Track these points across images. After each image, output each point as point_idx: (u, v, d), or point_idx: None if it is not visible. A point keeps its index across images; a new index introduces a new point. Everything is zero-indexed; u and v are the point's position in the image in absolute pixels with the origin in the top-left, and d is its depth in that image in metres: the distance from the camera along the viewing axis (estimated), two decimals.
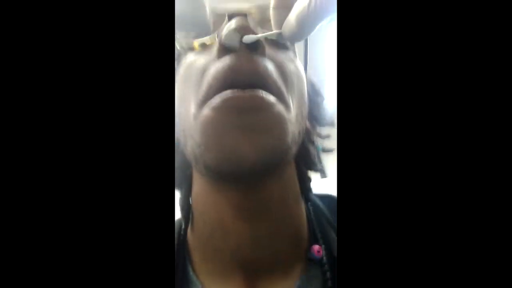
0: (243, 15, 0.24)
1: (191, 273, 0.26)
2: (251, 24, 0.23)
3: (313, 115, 0.32)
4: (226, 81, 0.21)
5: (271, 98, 0.22)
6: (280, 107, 0.22)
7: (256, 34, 0.22)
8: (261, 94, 0.21)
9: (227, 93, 0.21)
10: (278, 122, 0.22)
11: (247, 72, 0.21)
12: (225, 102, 0.21)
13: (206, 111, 0.22)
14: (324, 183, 0.34)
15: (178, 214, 0.31)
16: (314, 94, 0.34)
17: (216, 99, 0.21)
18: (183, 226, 0.29)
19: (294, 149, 0.24)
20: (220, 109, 0.21)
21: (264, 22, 0.25)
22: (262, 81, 0.22)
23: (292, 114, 0.23)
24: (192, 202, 0.29)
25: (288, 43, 0.27)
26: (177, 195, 0.32)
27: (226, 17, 0.24)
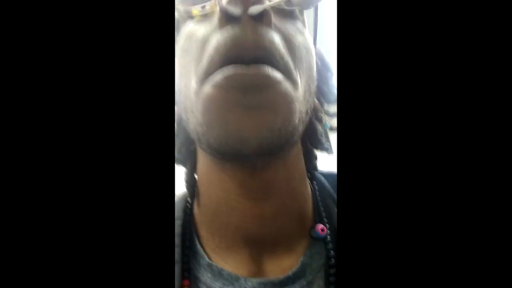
0: None
1: (198, 246, 0.27)
2: None
3: (321, 91, 0.31)
4: (228, 55, 0.20)
5: (277, 75, 0.20)
6: (287, 85, 0.21)
7: (261, 1, 0.20)
8: (267, 71, 0.20)
9: (230, 69, 0.20)
10: (285, 102, 0.21)
11: (252, 45, 0.20)
12: (227, 80, 0.20)
13: (208, 88, 0.21)
14: (330, 160, 0.33)
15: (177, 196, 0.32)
16: (324, 69, 0.32)
17: (218, 76, 0.20)
18: (189, 201, 0.30)
19: (301, 129, 0.23)
20: (222, 87, 0.20)
21: None
22: (267, 56, 0.20)
23: (299, 92, 0.22)
24: (197, 178, 0.29)
25: (297, 11, 0.25)
26: (182, 170, 0.32)
27: None
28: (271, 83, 0.20)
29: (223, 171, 0.25)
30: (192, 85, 0.22)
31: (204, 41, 0.22)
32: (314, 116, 0.30)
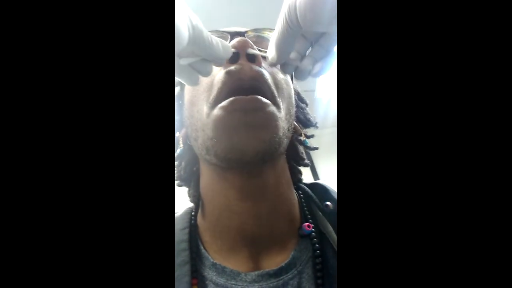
0: (242, 34, 0.30)
1: (203, 250, 0.31)
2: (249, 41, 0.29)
3: (299, 118, 0.39)
4: (232, 85, 0.27)
5: (267, 100, 0.27)
6: (273, 108, 0.28)
7: (254, 49, 0.28)
8: (259, 97, 0.27)
9: (233, 97, 0.27)
10: (272, 120, 0.28)
11: (248, 77, 0.27)
12: (232, 104, 0.26)
13: (217, 111, 0.27)
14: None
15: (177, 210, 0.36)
16: (300, 101, 0.40)
17: (225, 102, 0.27)
18: (193, 213, 0.34)
19: (285, 142, 0.30)
20: (228, 109, 0.27)
21: (258, 40, 0.31)
22: (259, 85, 0.28)
23: (282, 113, 0.29)
24: (201, 192, 0.34)
25: None
26: (185, 190, 0.38)
27: (229, 37, 0.31)
28: (262, 106, 0.27)
29: (224, 180, 0.30)
30: (204, 110, 0.29)
31: (212, 78, 0.29)
32: (295, 137, 0.37)
